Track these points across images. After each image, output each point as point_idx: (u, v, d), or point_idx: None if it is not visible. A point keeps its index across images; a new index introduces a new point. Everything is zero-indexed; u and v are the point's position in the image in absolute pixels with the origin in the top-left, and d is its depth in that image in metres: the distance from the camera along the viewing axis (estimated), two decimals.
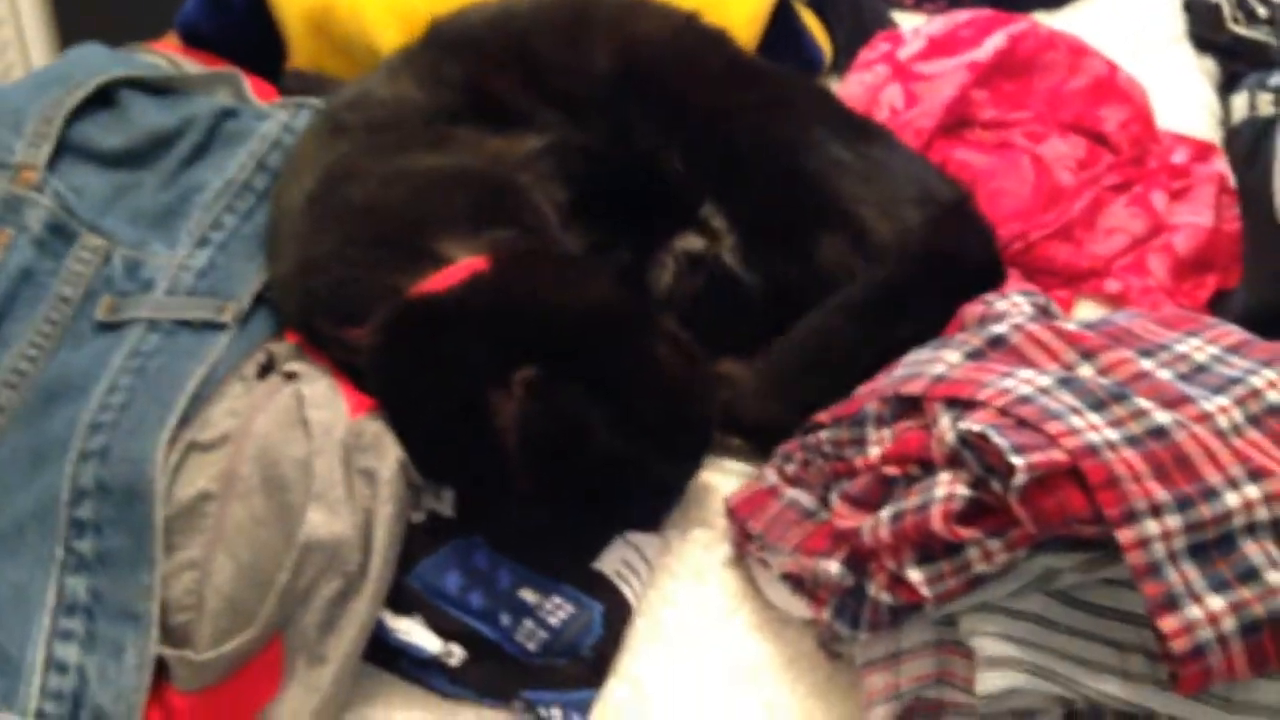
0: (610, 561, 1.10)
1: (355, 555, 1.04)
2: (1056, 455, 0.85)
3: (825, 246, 1.25)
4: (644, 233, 1.30)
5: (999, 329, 0.99)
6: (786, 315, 1.27)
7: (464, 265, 1.09)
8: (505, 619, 1.06)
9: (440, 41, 1.35)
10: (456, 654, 1.05)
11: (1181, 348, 0.98)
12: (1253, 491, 0.84)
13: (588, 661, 1.05)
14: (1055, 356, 0.96)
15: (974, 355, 0.97)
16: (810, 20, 1.76)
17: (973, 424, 0.88)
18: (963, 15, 1.71)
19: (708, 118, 1.31)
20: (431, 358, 1.04)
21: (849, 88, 1.66)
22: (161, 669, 1.03)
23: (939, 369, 0.97)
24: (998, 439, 0.85)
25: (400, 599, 1.06)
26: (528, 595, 1.07)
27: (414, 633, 1.05)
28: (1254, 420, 0.91)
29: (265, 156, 1.35)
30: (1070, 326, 1.00)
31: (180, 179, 1.33)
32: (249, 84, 1.46)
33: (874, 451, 0.98)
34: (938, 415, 0.93)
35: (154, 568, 1.06)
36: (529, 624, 1.06)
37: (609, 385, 1.04)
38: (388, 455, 1.07)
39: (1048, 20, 1.87)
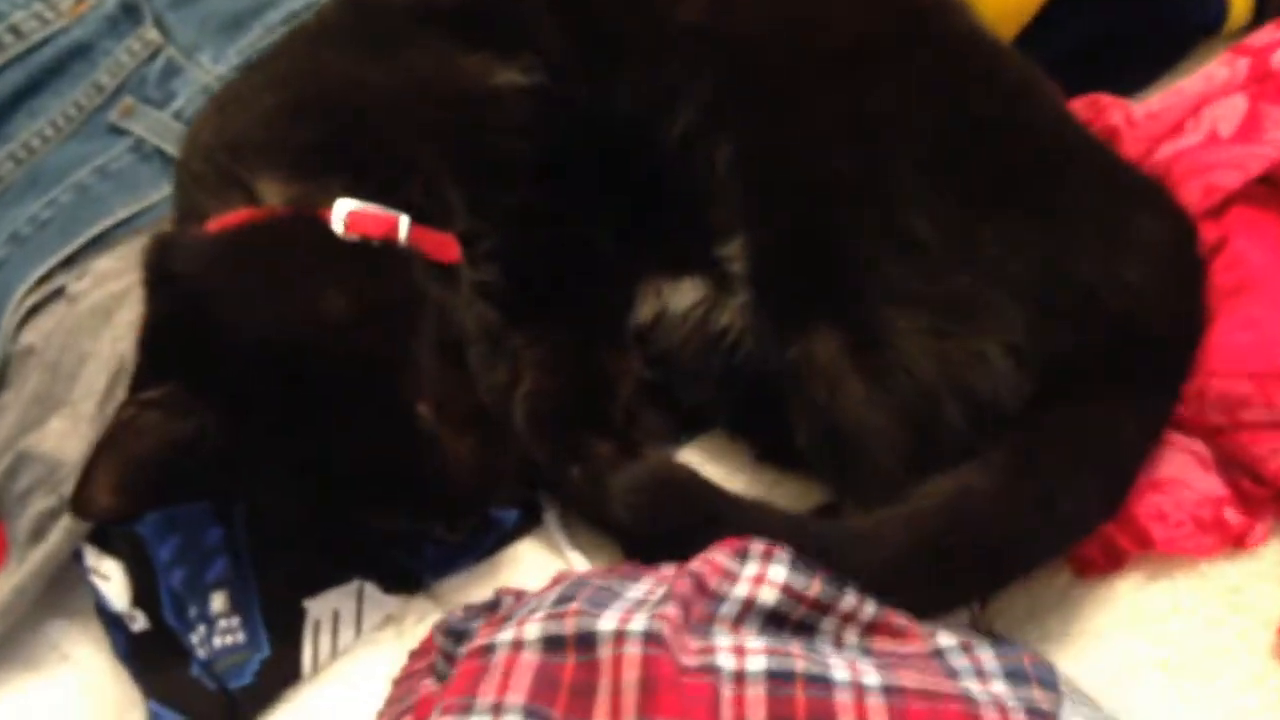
0: (322, 604, 0.93)
1: (72, 480, 0.96)
2: None
3: (817, 342, 0.87)
4: (635, 239, 0.99)
5: (605, 625, 0.64)
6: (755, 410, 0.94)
7: (240, 215, 0.90)
8: (191, 613, 0.94)
9: None
10: (139, 622, 0.96)
11: None
12: None
13: (230, 702, 0.92)
14: (615, 715, 0.61)
15: (549, 645, 0.64)
16: None
17: None
18: None
19: (785, 116, 0.93)
20: (160, 311, 0.89)
21: (1189, 81, 1.11)
22: None
23: (504, 636, 0.66)
24: None
25: (114, 540, 0.97)
26: (218, 601, 0.94)
27: (111, 580, 0.96)
28: None
29: None
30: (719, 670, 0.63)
31: None
32: None
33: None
34: None
35: None
36: (202, 630, 0.93)
37: (307, 420, 0.84)
38: None
39: None
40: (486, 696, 0.61)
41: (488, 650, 0.65)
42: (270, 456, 0.84)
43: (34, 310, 1.06)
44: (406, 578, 0.94)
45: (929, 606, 0.78)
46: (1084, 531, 0.85)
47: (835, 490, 0.90)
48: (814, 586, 0.69)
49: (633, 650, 0.62)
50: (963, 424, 0.85)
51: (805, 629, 0.70)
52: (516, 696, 0.61)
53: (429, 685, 0.72)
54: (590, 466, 0.92)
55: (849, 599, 0.70)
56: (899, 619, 0.71)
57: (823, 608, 0.69)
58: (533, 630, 0.65)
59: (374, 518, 0.88)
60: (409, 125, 0.94)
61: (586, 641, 0.63)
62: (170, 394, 0.83)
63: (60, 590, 1.00)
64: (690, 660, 0.64)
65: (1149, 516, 0.90)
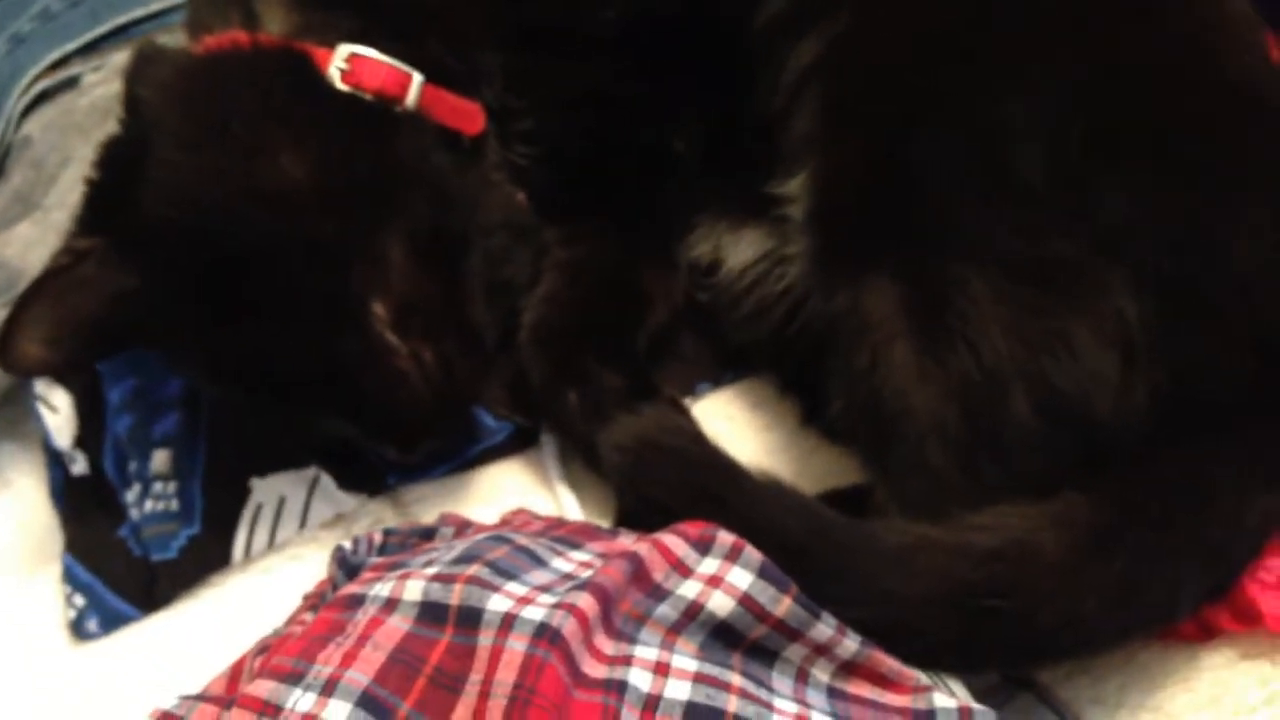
0: (270, 486, 0.81)
1: None
2: None
3: (869, 293, 0.70)
4: (702, 153, 0.83)
5: (495, 605, 0.49)
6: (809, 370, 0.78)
7: (227, 38, 0.76)
8: (130, 467, 0.83)
9: None
10: (79, 464, 0.86)
11: None
12: None
13: (149, 575, 0.81)
14: None
15: (427, 612, 0.50)
16: None
17: None
18: None
19: (886, 9, 0.75)
20: (114, 142, 0.76)
21: None
22: None
23: (380, 589, 0.52)
24: None
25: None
26: (159, 460, 0.83)
27: (59, 414, 0.86)
28: None
29: None
30: None
31: None
32: None
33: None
34: None
35: None
36: (137, 489, 0.83)
37: (237, 306, 0.71)
38: None
39: None
40: (324, 666, 0.48)
41: (355, 601, 0.52)
42: (199, 338, 0.72)
43: (43, 97, 0.95)
44: (368, 475, 0.82)
45: (947, 662, 0.62)
46: (1169, 622, 0.68)
47: (872, 475, 0.74)
48: (782, 605, 0.54)
49: (516, 645, 0.48)
50: (1035, 424, 0.67)
51: (762, 654, 0.54)
52: (358, 676, 0.47)
53: (307, 619, 0.59)
54: (590, 396, 0.77)
55: (824, 628, 0.54)
56: (888, 663, 0.55)
57: (790, 632, 0.54)
58: (414, 589, 0.51)
59: (313, 424, 0.75)
60: None
61: (469, 619, 0.49)
62: (100, 249, 0.72)
63: (15, 412, 0.90)
64: (594, 670, 0.49)
65: (1260, 587, 0.72)
